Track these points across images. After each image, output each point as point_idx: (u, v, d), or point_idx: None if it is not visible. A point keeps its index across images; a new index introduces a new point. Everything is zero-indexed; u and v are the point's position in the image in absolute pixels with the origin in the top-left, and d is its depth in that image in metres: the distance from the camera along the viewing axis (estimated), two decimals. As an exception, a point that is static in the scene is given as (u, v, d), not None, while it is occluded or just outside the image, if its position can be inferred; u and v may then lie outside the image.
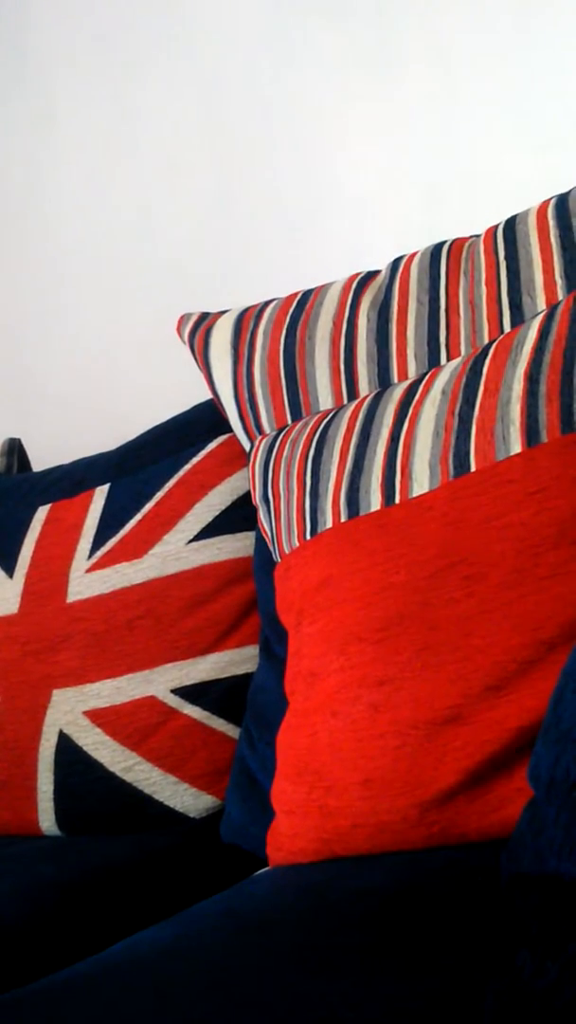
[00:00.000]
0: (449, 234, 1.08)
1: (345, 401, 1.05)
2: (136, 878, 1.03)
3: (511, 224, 1.01)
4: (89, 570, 1.23)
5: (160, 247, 1.69)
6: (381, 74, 1.39)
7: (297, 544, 0.97)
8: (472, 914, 0.65)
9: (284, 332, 1.11)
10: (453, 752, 0.77)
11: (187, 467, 1.22)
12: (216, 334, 1.18)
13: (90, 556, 1.23)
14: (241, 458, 1.20)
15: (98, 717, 1.16)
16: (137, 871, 1.04)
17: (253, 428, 1.14)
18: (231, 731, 1.14)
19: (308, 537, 0.95)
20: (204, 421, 1.26)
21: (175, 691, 1.14)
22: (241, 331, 1.16)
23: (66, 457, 1.44)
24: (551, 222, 0.97)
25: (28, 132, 1.85)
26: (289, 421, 1.10)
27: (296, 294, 1.15)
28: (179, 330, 1.24)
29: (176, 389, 1.38)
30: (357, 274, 1.11)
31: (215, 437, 1.23)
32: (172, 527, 1.20)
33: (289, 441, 1.03)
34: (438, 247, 1.06)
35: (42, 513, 1.33)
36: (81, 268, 1.80)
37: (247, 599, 1.17)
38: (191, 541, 1.18)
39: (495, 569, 0.79)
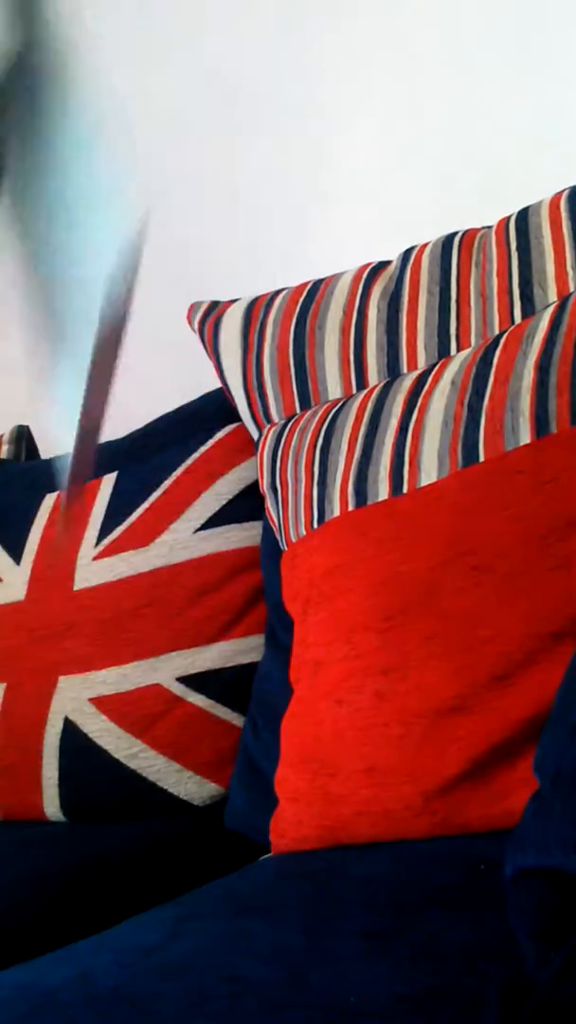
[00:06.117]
0: (461, 225, 1.08)
1: (354, 391, 1.05)
2: (140, 865, 1.03)
3: (523, 215, 1.00)
4: (96, 558, 1.22)
5: (169, 236, 1.69)
6: (393, 62, 1.39)
7: (304, 533, 0.97)
8: (475, 904, 0.65)
9: (294, 322, 1.11)
10: (457, 741, 0.77)
11: (195, 456, 1.22)
12: (226, 323, 1.18)
13: (97, 544, 1.23)
14: (249, 447, 1.20)
15: (104, 704, 1.16)
16: (141, 858, 1.04)
17: (262, 417, 1.14)
18: (236, 720, 1.14)
19: (315, 526, 0.95)
20: (212, 410, 1.25)
21: (181, 679, 1.14)
22: (251, 320, 1.16)
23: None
24: (563, 214, 0.97)
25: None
26: (298, 411, 1.10)
27: (306, 284, 1.14)
28: (189, 319, 1.24)
29: (185, 378, 1.38)
30: (368, 264, 1.11)
31: (223, 426, 1.23)
32: (179, 516, 1.19)
33: (298, 430, 1.03)
34: (450, 238, 1.06)
35: (49, 500, 1.33)
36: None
37: (253, 588, 1.17)
38: (198, 530, 1.18)
39: (502, 560, 0.79)
